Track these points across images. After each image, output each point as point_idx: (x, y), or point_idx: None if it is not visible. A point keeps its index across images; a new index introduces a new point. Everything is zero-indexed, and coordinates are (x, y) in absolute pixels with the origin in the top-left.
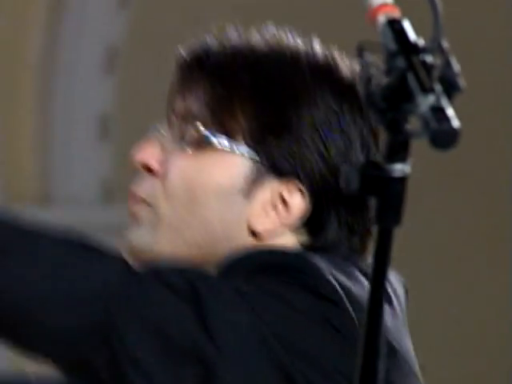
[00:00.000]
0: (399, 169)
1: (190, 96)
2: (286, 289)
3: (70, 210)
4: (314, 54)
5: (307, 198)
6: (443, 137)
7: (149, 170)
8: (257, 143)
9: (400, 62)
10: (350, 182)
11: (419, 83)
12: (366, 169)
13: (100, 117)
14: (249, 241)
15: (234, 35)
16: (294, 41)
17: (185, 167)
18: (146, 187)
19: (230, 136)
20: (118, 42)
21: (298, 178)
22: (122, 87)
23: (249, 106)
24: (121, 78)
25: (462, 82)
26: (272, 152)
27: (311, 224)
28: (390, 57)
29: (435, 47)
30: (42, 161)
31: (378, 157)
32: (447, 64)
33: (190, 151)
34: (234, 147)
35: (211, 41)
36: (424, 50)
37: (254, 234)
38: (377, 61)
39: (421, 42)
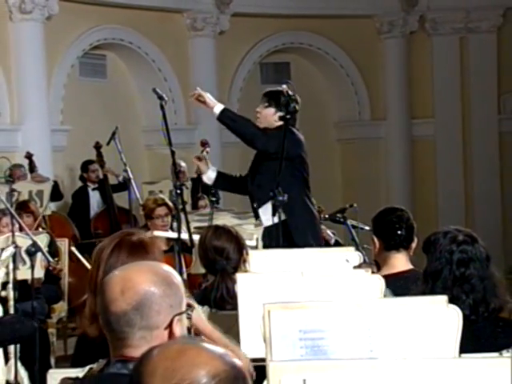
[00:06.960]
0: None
1: None
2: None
3: None
4: None
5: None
6: (293, 112)
7: None
8: None
9: (287, 98)
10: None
11: (291, 100)
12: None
13: None
14: None
15: None
16: None
17: None
18: None
19: None
20: None
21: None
22: None
23: None
24: None
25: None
26: None
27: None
28: (287, 97)
29: (290, 95)
30: None
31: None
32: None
33: None
34: None
35: None
36: (291, 96)
37: None
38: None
39: (292, 95)
